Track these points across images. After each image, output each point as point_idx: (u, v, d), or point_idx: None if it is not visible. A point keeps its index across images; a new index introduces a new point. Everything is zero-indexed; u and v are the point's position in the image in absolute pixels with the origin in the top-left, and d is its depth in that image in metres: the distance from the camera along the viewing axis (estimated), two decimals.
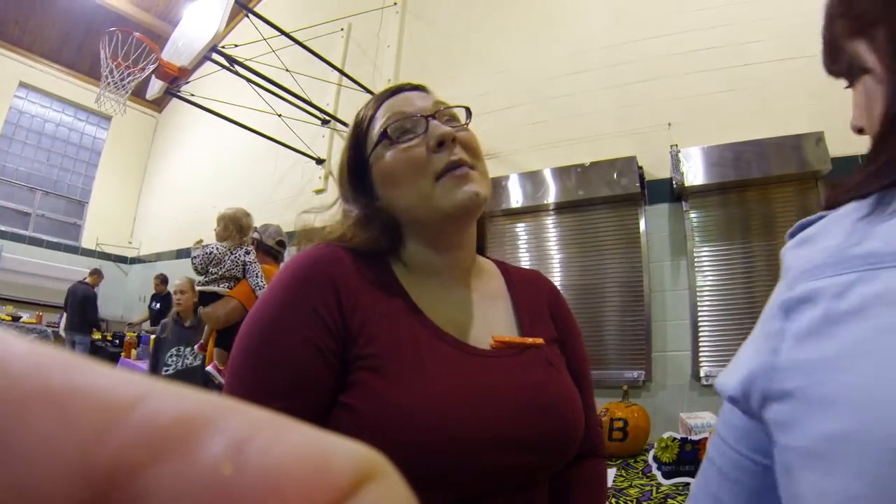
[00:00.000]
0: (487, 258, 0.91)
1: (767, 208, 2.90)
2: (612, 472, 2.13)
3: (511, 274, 0.88)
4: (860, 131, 0.59)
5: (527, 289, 0.87)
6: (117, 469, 0.10)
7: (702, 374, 2.81)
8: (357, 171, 0.79)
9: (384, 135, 0.75)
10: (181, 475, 0.10)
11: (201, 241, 2.99)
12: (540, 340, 0.77)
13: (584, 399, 0.79)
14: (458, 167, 0.73)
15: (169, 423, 0.10)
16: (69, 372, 0.11)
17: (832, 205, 0.46)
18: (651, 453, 2.02)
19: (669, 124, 3.19)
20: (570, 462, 0.79)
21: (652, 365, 2.99)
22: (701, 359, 2.85)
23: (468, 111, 0.81)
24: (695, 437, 1.96)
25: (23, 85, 8.16)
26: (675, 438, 1.97)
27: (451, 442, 0.61)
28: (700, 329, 2.91)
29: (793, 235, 0.48)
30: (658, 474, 1.97)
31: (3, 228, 7.79)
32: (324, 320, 0.66)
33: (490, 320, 0.78)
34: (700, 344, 2.88)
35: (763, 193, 2.91)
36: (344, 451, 0.11)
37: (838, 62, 0.55)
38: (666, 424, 2.42)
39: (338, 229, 0.77)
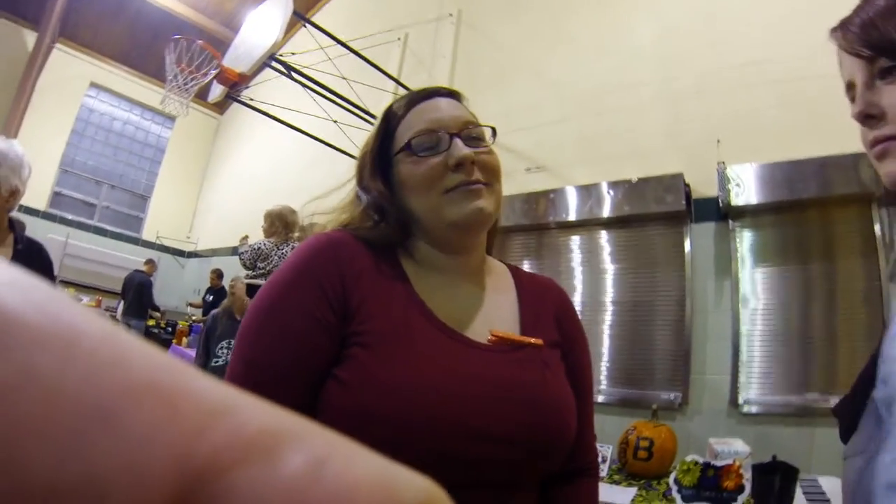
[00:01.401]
0: (502, 262, 0.91)
1: (817, 230, 2.77)
2: (631, 492, 2.09)
3: (521, 277, 0.89)
4: (868, 117, 0.59)
5: (536, 292, 0.87)
6: (209, 466, 0.11)
7: (740, 400, 2.72)
8: (379, 163, 0.81)
9: (408, 146, 0.77)
10: (262, 481, 0.11)
11: (247, 237, 3.10)
12: (539, 341, 0.76)
13: (582, 410, 0.78)
14: (471, 183, 0.75)
15: (257, 432, 0.12)
16: (173, 372, 0.12)
17: None
18: (672, 475, 1.95)
19: (718, 141, 3.11)
20: (564, 478, 0.79)
21: (689, 387, 2.90)
22: (740, 385, 2.76)
23: (493, 131, 0.81)
24: (718, 463, 1.88)
25: (93, 85, 8.69)
26: (697, 462, 1.91)
27: (430, 424, 0.63)
28: (741, 354, 2.81)
29: None
30: (678, 497, 1.90)
31: (71, 217, 8.27)
32: (326, 295, 0.69)
33: (491, 316, 0.79)
34: (740, 369, 2.79)
35: (819, 213, 2.76)
36: (410, 482, 0.12)
37: (880, 42, 0.55)
38: (698, 450, 2.34)
39: (348, 210, 0.81)
